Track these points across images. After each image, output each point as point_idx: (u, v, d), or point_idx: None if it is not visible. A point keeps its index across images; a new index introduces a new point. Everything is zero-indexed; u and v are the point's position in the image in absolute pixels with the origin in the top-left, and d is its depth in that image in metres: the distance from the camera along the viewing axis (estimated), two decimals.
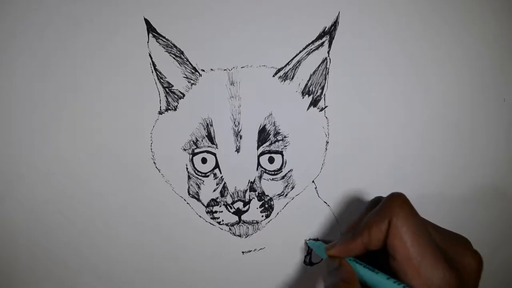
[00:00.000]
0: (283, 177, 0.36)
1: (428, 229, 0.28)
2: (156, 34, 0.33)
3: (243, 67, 0.34)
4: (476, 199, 0.40)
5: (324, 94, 0.36)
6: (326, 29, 0.34)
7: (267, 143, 0.35)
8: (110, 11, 0.32)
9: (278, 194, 0.37)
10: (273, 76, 0.35)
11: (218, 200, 0.36)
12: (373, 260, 0.30)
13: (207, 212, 0.36)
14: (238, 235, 0.37)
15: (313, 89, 0.35)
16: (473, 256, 0.28)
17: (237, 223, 0.37)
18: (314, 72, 0.35)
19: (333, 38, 0.34)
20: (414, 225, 0.27)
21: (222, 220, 0.36)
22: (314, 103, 0.36)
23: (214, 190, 0.36)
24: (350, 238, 0.30)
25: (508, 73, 0.38)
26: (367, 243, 0.29)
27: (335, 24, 0.34)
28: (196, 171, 0.35)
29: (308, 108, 0.36)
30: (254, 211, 0.36)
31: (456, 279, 0.26)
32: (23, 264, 0.37)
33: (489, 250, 0.41)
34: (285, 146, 0.36)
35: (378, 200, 0.33)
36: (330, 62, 0.35)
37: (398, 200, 0.29)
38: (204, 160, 0.35)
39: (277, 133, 0.35)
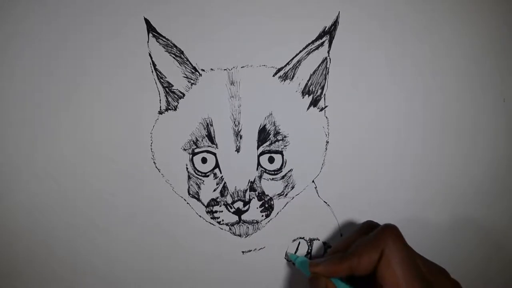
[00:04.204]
0: (283, 177, 0.36)
1: (417, 261, 0.29)
2: (156, 34, 0.33)
3: (243, 67, 0.34)
4: (476, 199, 0.40)
5: (324, 94, 0.36)
6: (326, 28, 0.34)
7: (267, 143, 0.35)
8: (110, 11, 0.32)
9: (278, 194, 0.37)
10: (273, 76, 0.35)
11: (218, 200, 0.36)
12: (355, 284, 0.31)
13: (207, 212, 0.36)
14: (238, 235, 0.37)
15: (313, 89, 0.35)
16: (453, 285, 0.30)
17: (237, 222, 0.37)
18: (314, 72, 0.35)
19: (333, 38, 0.34)
20: (406, 257, 0.29)
21: (222, 220, 0.36)
22: (314, 103, 0.36)
23: (214, 190, 0.36)
24: (337, 260, 0.31)
25: (508, 73, 0.38)
26: (355, 269, 0.30)
27: (335, 23, 0.34)
28: (196, 171, 0.35)
29: (308, 108, 0.36)
30: (254, 211, 0.36)
31: None
32: (23, 264, 0.37)
33: (490, 251, 0.41)
34: (285, 146, 0.36)
35: (369, 225, 0.34)
36: (330, 62, 0.35)
37: (392, 232, 0.30)
38: (204, 160, 0.35)
39: (277, 133, 0.35)
